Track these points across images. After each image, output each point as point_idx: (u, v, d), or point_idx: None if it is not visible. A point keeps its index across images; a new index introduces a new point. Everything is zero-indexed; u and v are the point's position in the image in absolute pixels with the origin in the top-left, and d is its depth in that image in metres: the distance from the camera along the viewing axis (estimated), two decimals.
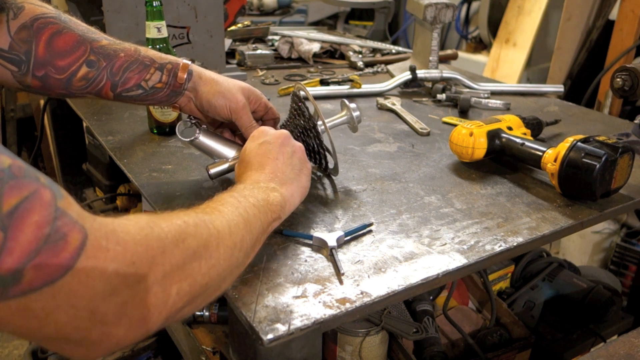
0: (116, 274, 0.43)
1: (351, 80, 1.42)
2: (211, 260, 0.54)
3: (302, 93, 0.91)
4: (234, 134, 0.94)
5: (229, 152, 0.87)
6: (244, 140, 0.85)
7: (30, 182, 0.40)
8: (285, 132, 0.80)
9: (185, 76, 0.85)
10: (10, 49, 0.78)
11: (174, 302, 0.50)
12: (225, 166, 0.86)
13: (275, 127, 0.93)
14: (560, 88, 1.51)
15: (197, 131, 0.86)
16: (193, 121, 0.88)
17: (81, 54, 0.81)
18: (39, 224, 0.39)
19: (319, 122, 0.88)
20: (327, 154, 0.89)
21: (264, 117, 0.92)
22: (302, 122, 0.89)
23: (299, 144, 0.81)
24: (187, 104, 0.88)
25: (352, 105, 0.93)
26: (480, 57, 3.11)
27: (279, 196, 0.70)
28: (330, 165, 0.91)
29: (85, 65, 0.82)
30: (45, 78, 0.81)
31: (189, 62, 0.87)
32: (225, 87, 0.87)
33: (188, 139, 0.86)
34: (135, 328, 0.47)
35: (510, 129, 0.99)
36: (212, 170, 0.86)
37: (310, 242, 0.74)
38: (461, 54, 2.95)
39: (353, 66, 1.72)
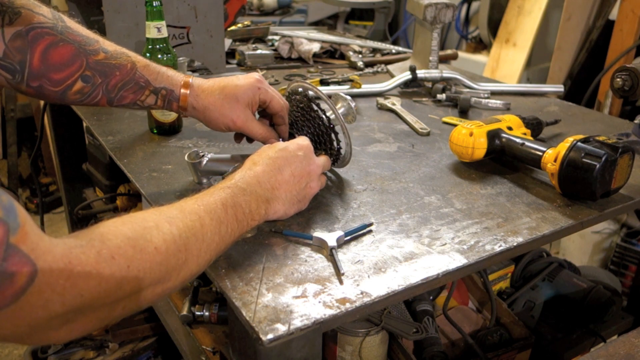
0: (62, 304, 0.45)
1: (351, 80, 1.42)
2: (168, 283, 0.57)
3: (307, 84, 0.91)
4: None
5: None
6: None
7: None
8: (308, 145, 0.80)
9: (180, 107, 0.87)
10: (4, 57, 0.76)
11: (119, 315, 0.53)
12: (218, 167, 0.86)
13: (284, 117, 0.91)
14: (560, 88, 1.51)
15: (204, 157, 0.86)
16: (201, 154, 0.87)
17: (76, 68, 0.80)
18: None
19: (329, 112, 0.88)
20: (338, 145, 0.88)
21: (270, 109, 0.90)
22: (311, 113, 0.88)
23: (318, 162, 0.80)
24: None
25: (347, 97, 0.94)
26: (480, 57, 3.11)
27: (264, 212, 0.72)
28: (341, 157, 0.91)
29: (80, 80, 0.81)
30: (40, 89, 0.80)
31: (185, 92, 0.86)
32: (220, 112, 0.86)
33: (193, 162, 0.87)
34: (77, 332, 0.50)
35: (510, 129, 0.99)
36: (194, 162, 0.86)
37: (310, 242, 0.74)
38: (461, 54, 2.95)
39: (353, 66, 1.72)
